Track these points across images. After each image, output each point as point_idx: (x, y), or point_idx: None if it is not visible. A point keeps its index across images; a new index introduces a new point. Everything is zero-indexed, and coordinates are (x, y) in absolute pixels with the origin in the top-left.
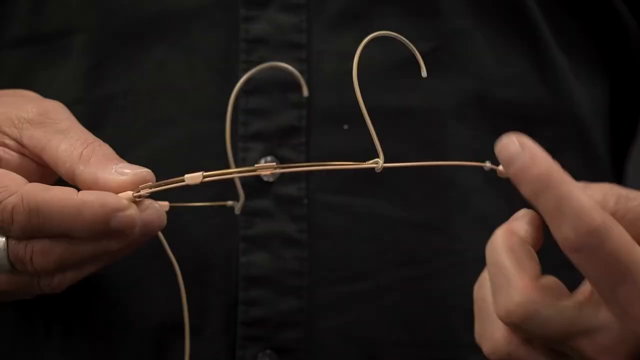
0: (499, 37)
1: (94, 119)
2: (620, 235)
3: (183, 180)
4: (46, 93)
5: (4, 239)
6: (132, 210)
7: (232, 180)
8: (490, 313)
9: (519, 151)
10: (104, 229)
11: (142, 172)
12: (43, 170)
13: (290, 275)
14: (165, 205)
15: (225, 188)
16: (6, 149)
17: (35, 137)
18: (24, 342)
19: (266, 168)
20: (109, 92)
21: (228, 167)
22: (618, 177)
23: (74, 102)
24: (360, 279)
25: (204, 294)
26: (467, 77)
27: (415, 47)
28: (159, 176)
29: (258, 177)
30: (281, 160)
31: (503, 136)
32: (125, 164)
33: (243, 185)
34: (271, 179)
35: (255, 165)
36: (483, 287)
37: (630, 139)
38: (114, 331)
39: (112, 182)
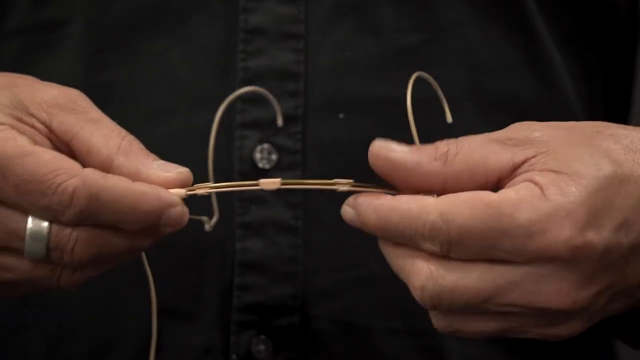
0: (493, 29)
1: None
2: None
3: (257, 184)
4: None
5: (46, 223)
6: (183, 208)
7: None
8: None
9: (353, 218)
10: (154, 223)
11: (185, 171)
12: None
13: (285, 262)
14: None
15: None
16: (37, 133)
17: (66, 123)
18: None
19: (343, 184)
20: (107, 81)
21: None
22: None
23: None
24: (354, 266)
25: (199, 280)
26: (461, 69)
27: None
28: None
29: (254, 164)
30: (278, 148)
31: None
32: (162, 161)
33: (240, 172)
34: (267, 167)
35: (334, 179)
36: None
37: None
38: (108, 316)
39: (154, 177)
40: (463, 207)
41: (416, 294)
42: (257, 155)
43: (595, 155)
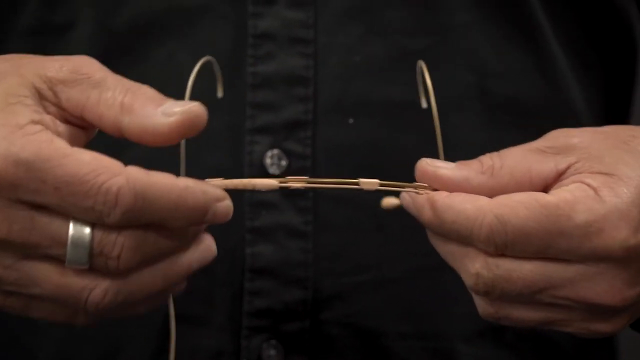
0: (499, 31)
1: None
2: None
3: (357, 184)
4: None
5: (89, 229)
6: (230, 202)
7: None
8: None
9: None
10: (201, 219)
11: (191, 107)
12: (88, 137)
13: (296, 267)
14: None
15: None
16: (55, 120)
17: (73, 98)
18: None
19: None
20: None
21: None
22: None
23: None
24: (364, 270)
25: (209, 284)
26: (467, 71)
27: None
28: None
29: (264, 169)
30: (287, 154)
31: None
32: (172, 101)
33: (250, 178)
34: (277, 172)
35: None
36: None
37: None
38: (118, 321)
39: (161, 127)
40: (519, 208)
41: (470, 280)
42: (268, 161)
43: (638, 158)
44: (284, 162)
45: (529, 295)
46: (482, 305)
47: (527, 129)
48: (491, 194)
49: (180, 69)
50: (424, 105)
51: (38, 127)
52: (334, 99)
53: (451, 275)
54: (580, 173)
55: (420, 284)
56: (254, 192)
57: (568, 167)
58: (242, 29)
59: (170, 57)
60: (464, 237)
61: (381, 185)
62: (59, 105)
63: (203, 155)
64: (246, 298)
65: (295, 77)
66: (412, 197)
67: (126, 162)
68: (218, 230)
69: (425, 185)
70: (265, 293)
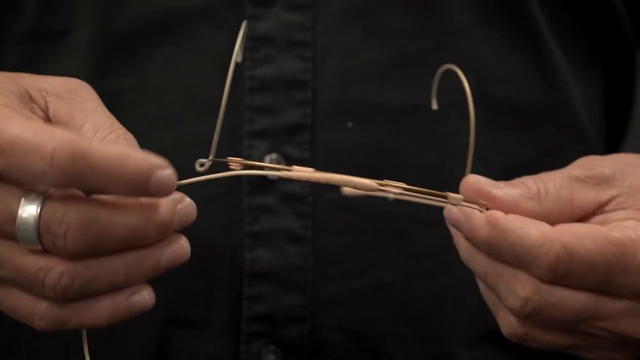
0: (499, 34)
1: None
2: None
3: (445, 197)
4: None
5: (36, 206)
6: (172, 171)
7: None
8: (501, 304)
9: (460, 220)
10: (144, 188)
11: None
12: None
13: (295, 271)
14: None
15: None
16: (37, 118)
17: (59, 112)
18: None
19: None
20: (114, 89)
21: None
22: None
23: None
24: (363, 274)
25: (208, 289)
26: (467, 75)
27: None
28: None
29: (263, 175)
30: (286, 158)
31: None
32: (137, 157)
33: (249, 182)
34: (276, 177)
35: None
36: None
37: (621, 135)
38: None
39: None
40: (586, 240)
41: (516, 303)
42: None
43: None
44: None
45: (570, 323)
46: (512, 325)
47: (528, 131)
48: (538, 218)
49: (179, 72)
50: (435, 106)
51: (4, 106)
52: (333, 103)
53: (450, 279)
54: (625, 209)
55: (419, 288)
56: (253, 196)
57: (610, 200)
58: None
59: (169, 60)
60: (522, 261)
61: (465, 200)
62: (46, 113)
63: (200, 157)
64: (245, 303)
65: (293, 80)
66: (465, 213)
67: None
68: (217, 234)
69: (483, 202)
70: (264, 298)
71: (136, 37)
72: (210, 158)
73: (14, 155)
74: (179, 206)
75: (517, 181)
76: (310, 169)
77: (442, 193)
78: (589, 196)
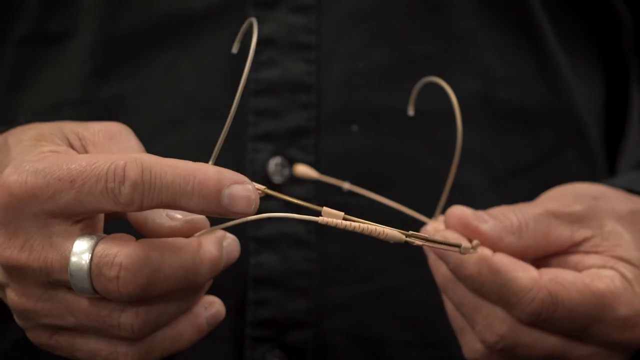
0: (503, 38)
1: (102, 119)
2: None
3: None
4: (48, 91)
5: (88, 245)
6: (250, 187)
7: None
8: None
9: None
10: (217, 203)
11: (193, 218)
12: None
13: (299, 276)
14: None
15: None
16: None
17: None
18: None
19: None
20: (117, 93)
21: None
22: (611, 173)
23: (78, 102)
24: (368, 279)
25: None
26: (471, 78)
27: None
28: None
29: (267, 177)
30: (290, 161)
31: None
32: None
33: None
34: (280, 180)
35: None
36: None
37: (621, 134)
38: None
39: (161, 227)
40: (573, 290)
41: (491, 338)
42: (271, 169)
43: None
44: (286, 170)
45: None
46: (479, 352)
47: (529, 133)
48: (515, 252)
49: (181, 76)
50: (411, 113)
51: (55, 152)
52: (337, 106)
53: None
54: (598, 253)
55: (423, 293)
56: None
57: (584, 241)
58: (244, 35)
59: (170, 65)
60: (505, 302)
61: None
62: None
63: (203, 161)
64: (250, 308)
65: (298, 83)
66: (451, 254)
67: None
68: None
69: (477, 243)
70: (269, 303)
71: (138, 42)
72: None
73: (86, 182)
74: (224, 243)
75: (499, 213)
76: (341, 213)
77: (457, 243)
78: (564, 234)
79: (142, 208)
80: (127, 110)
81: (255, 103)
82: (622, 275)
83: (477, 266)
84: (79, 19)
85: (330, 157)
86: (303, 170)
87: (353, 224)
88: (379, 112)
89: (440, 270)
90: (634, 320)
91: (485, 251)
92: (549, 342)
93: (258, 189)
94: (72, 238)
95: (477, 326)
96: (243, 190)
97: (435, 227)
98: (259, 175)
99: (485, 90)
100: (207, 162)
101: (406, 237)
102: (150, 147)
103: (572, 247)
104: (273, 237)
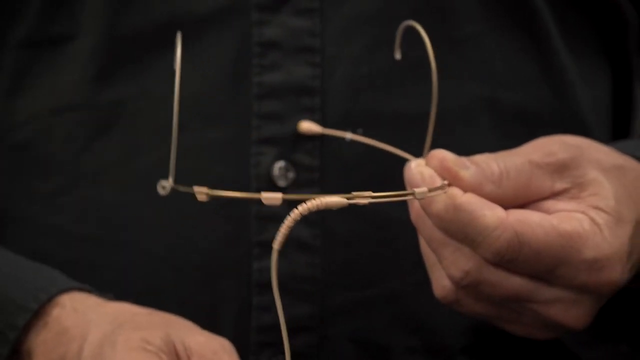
0: (509, 41)
1: (103, 123)
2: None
3: (413, 194)
4: (49, 95)
5: None
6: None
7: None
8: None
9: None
10: None
11: None
12: None
13: (304, 281)
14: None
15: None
16: None
17: None
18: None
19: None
20: (118, 97)
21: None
22: None
23: (79, 106)
24: (372, 284)
25: (215, 300)
26: (476, 82)
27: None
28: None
29: (272, 182)
30: (295, 165)
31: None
32: None
33: (257, 190)
34: (284, 184)
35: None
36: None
37: (627, 134)
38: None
39: None
40: (539, 231)
41: (457, 274)
42: (276, 173)
43: (627, 197)
44: (291, 174)
45: (502, 300)
46: (446, 289)
47: (534, 136)
48: (494, 200)
49: (183, 79)
50: (398, 56)
51: None
52: (342, 110)
53: None
54: (577, 199)
55: (428, 298)
56: (261, 205)
57: (563, 191)
58: (246, 38)
59: (173, 68)
60: (469, 240)
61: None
62: None
63: (208, 167)
64: (254, 314)
65: (302, 87)
66: (425, 182)
67: (141, 168)
68: (223, 245)
69: (445, 184)
70: (273, 308)
71: (140, 45)
72: (170, 182)
73: None
74: None
75: (482, 160)
76: (280, 195)
77: (409, 191)
78: (545, 184)
79: None
80: (129, 114)
81: (259, 107)
82: (592, 219)
83: (444, 204)
84: (80, 22)
85: (335, 160)
86: (307, 126)
87: (295, 196)
88: (383, 115)
89: (414, 206)
90: (600, 264)
91: (454, 191)
92: (515, 282)
93: (201, 192)
94: None
95: (444, 261)
96: None
97: (418, 163)
98: (263, 179)
99: (490, 94)
100: (207, 166)
101: (348, 199)
102: (152, 151)
103: (552, 196)
104: None
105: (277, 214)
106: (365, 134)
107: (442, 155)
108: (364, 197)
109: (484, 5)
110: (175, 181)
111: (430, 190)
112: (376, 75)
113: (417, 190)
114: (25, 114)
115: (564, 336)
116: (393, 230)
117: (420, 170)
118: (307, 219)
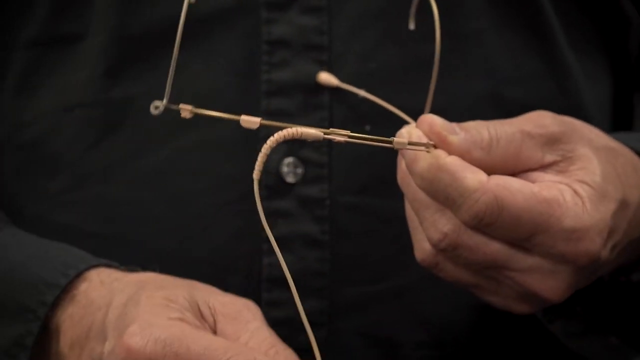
0: (513, 37)
1: (111, 122)
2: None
3: (391, 142)
4: (59, 93)
5: None
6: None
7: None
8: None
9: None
10: None
11: None
12: None
13: (313, 276)
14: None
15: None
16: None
17: (226, 330)
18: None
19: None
20: (127, 94)
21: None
22: None
23: (89, 104)
24: (381, 279)
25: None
26: (481, 78)
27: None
28: (176, 179)
29: (280, 178)
30: (303, 162)
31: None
32: None
33: (266, 186)
34: (293, 180)
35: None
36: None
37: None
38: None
39: None
40: (519, 196)
41: (435, 236)
42: (284, 169)
43: (615, 176)
44: (299, 170)
45: (481, 266)
46: (426, 252)
47: None
48: (481, 167)
49: (192, 77)
50: (412, 26)
51: (182, 322)
52: (350, 106)
53: None
54: (564, 172)
55: (436, 293)
56: (270, 201)
57: (552, 164)
58: (255, 36)
59: (182, 66)
60: (451, 202)
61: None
62: (213, 329)
63: (217, 164)
64: (263, 309)
65: (310, 84)
66: (411, 143)
67: (150, 165)
68: (233, 240)
69: (431, 143)
70: (282, 304)
71: (149, 43)
72: (164, 102)
73: None
74: None
75: (472, 126)
76: (258, 119)
77: (388, 138)
78: (535, 155)
79: None
80: (138, 111)
81: (267, 104)
82: (575, 191)
83: (427, 164)
84: (89, 21)
85: (343, 156)
86: (325, 77)
87: (271, 122)
88: (390, 111)
89: (401, 168)
90: (579, 234)
91: (439, 152)
92: (493, 247)
93: (185, 109)
94: None
95: (424, 223)
96: None
97: (411, 127)
98: (272, 175)
99: (495, 89)
100: (216, 162)
101: (325, 134)
102: (162, 148)
103: (540, 169)
104: (287, 237)
105: (286, 210)
106: (372, 131)
107: (432, 119)
108: (341, 135)
109: (488, 2)
110: (183, 177)
111: (410, 143)
112: (383, 71)
113: (395, 139)
114: (34, 113)
115: (555, 329)
116: (401, 225)
117: (409, 130)
118: (315, 215)
